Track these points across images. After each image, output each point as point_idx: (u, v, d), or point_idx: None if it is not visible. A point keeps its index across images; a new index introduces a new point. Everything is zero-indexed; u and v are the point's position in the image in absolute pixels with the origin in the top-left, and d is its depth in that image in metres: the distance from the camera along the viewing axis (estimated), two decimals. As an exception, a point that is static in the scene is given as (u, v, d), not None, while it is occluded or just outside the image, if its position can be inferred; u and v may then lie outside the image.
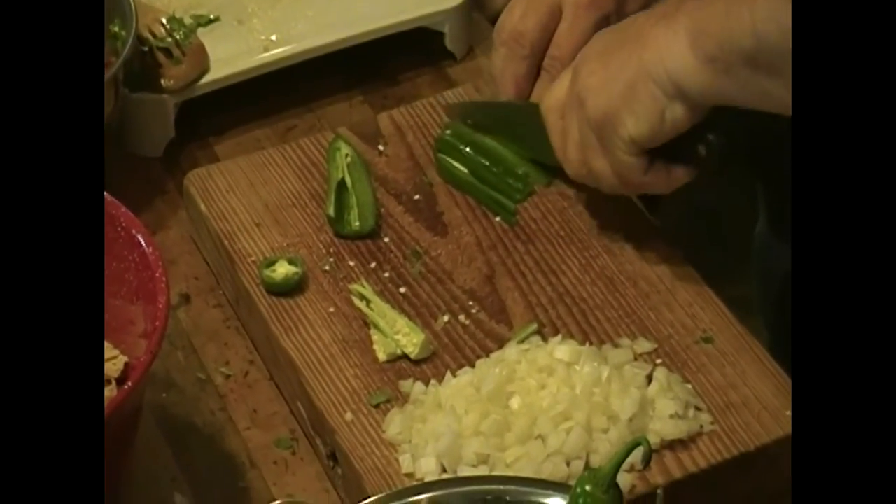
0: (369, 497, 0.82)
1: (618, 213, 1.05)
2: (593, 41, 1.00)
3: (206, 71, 1.15)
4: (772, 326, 1.20)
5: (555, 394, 0.92)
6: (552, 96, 1.02)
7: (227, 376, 1.02)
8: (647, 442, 0.81)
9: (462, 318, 1.00)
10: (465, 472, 0.90)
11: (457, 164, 1.08)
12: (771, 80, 0.88)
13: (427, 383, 0.96)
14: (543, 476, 0.89)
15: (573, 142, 1.00)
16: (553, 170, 1.06)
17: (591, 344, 0.97)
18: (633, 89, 0.94)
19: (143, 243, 0.93)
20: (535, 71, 1.07)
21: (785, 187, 0.92)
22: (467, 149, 1.08)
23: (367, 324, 0.99)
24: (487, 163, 1.08)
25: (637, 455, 0.87)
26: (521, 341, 0.97)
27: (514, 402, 0.92)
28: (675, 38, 0.92)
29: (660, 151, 0.97)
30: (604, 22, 1.05)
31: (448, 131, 1.10)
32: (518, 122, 1.07)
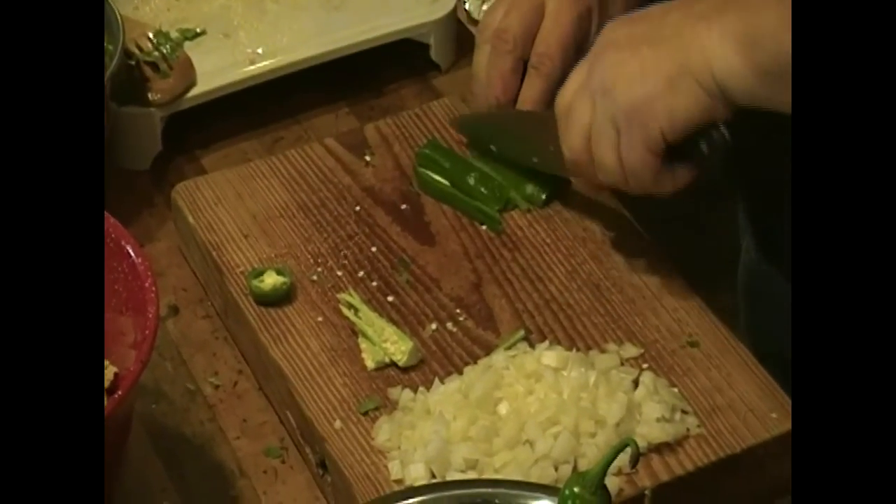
0: None
1: (603, 221, 1.06)
2: (607, 32, 0.99)
3: (192, 84, 1.16)
4: (757, 339, 1.21)
5: (542, 399, 0.93)
6: (567, 90, 1.00)
7: (217, 386, 1.02)
8: (635, 443, 0.81)
9: (450, 325, 1.01)
10: (453, 477, 0.90)
11: (437, 177, 1.09)
12: None
13: (415, 390, 0.96)
14: (531, 481, 0.89)
15: (580, 127, 0.98)
16: (545, 180, 1.07)
17: (577, 350, 0.97)
18: (673, 84, 0.93)
19: (132, 254, 0.93)
20: (521, 68, 1.08)
21: (767, 209, 0.93)
22: (445, 162, 1.09)
23: (355, 332, 1.00)
24: (466, 174, 1.08)
25: (625, 458, 0.88)
26: (509, 348, 0.98)
27: (502, 408, 0.93)
28: (721, 44, 0.91)
29: (666, 152, 0.96)
30: (586, 15, 1.06)
31: (426, 147, 1.10)
32: (526, 131, 1.07)
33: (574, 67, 1.01)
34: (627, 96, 0.95)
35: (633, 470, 0.90)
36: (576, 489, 0.81)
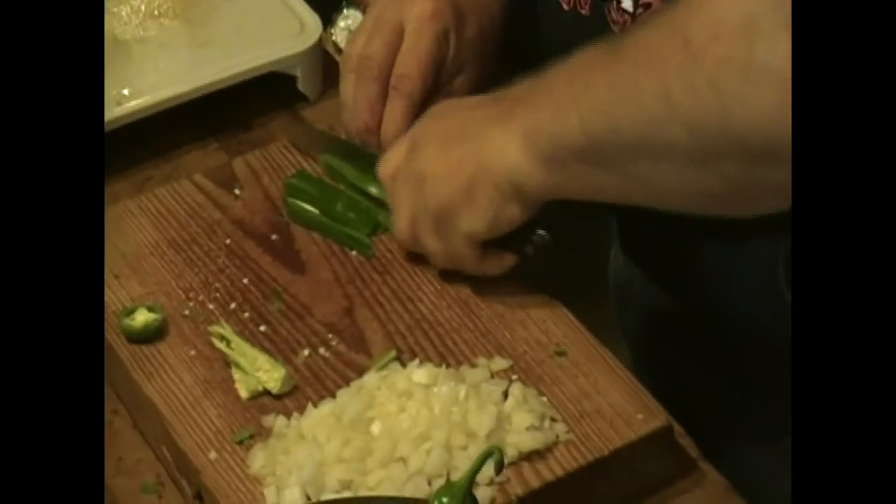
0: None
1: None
2: (431, 117, 1.03)
3: (59, 129, 1.16)
4: (633, 349, 1.23)
5: (414, 416, 0.94)
6: (389, 164, 1.04)
7: (93, 427, 1.02)
8: (500, 451, 0.83)
9: (322, 350, 1.01)
10: (328, 498, 0.91)
11: (306, 206, 1.10)
12: (603, 173, 0.92)
13: (289, 416, 0.97)
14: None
15: (405, 212, 1.02)
16: None
17: (448, 366, 0.99)
18: (472, 189, 0.97)
19: None
20: (386, 92, 1.10)
21: (635, 215, 0.95)
22: (314, 190, 1.10)
23: (228, 364, 1.01)
24: (335, 201, 1.10)
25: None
26: (381, 368, 0.99)
27: (375, 428, 0.94)
28: (510, 141, 0.95)
29: (491, 241, 1.01)
30: (444, 35, 1.08)
31: (294, 177, 1.12)
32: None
33: (405, 132, 1.05)
34: (435, 197, 0.99)
35: (504, 478, 0.92)
36: (444, 500, 0.82)
